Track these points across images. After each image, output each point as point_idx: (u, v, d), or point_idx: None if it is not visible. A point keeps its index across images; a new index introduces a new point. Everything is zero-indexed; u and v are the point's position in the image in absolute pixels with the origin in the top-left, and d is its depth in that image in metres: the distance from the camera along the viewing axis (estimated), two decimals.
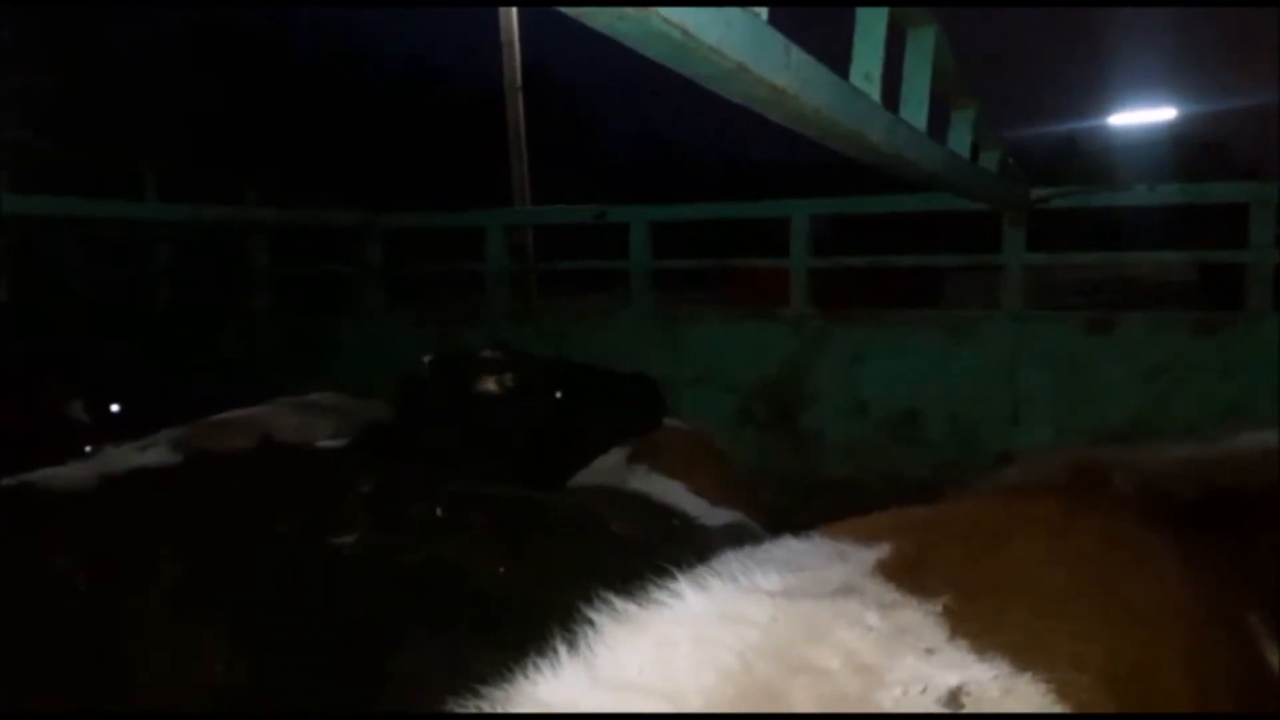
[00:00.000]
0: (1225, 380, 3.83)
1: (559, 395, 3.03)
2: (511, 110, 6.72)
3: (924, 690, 1.08)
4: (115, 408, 3.37)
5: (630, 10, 1.14)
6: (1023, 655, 1.14)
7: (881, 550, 1.36)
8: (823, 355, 4.59)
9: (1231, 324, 3.91)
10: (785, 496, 4.36)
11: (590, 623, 1.12)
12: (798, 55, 1.52)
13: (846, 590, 1.23)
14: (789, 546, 1.43)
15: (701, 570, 1.29)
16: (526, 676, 1.07)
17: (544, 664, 1.07)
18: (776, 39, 1.45)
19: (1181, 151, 19.13)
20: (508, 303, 5.39)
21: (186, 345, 5.54)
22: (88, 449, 2.84)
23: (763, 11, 1.40)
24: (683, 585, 1.20)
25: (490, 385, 2.98)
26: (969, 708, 1.07)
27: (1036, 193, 4.18)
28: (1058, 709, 1.09)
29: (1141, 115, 21.85)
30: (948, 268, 7.64)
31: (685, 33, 1.19)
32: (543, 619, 1.10)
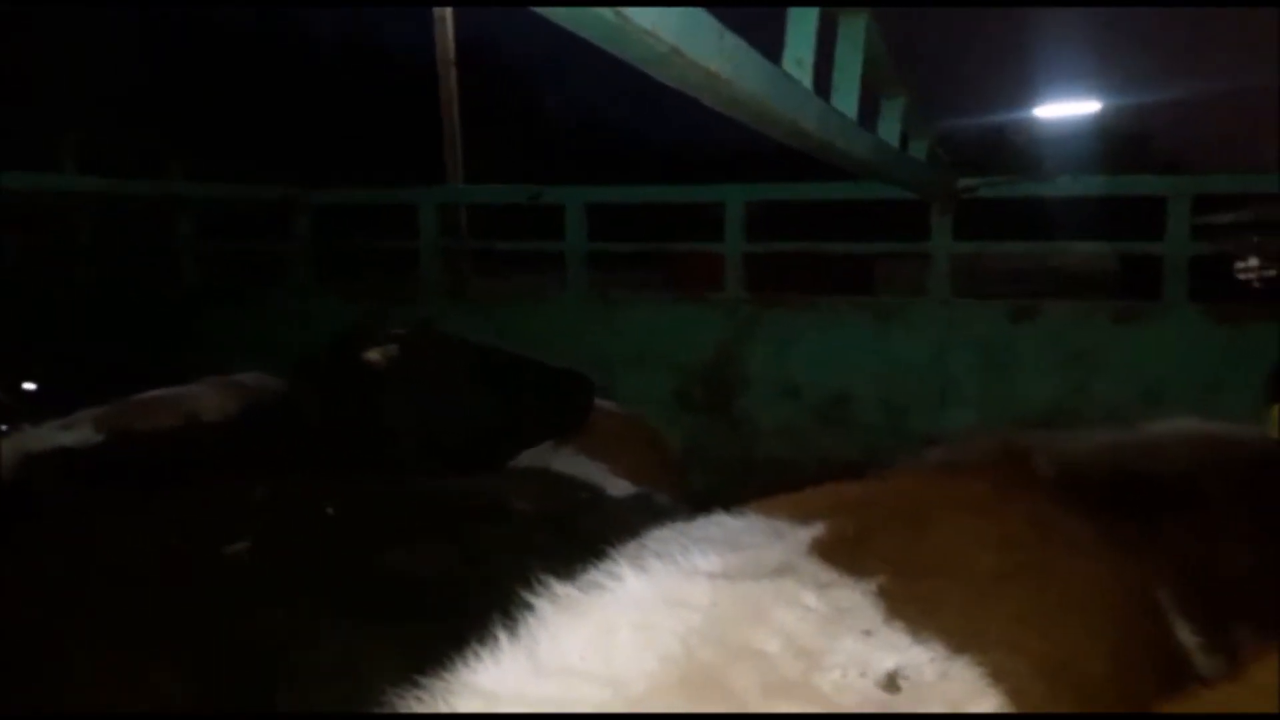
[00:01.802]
0: (1142, 368, 3.95)
1: (467, 381, 2.92)
2: (445, 86, 6.61)
3: (862, 673, 1.09)
4: (30, 386, 3.25)
5: None
6: (958, 637, 1.16)
7: (817, 529, 1.37)
8: (756, 339, 4.62)
9: (1148, 314, 4.04)
10: (721, 478, 4.40)
11: (528, 608, 1.11)
12: (731, 40, 1.52)
13: (784, 570, 1.24)
14: (725, 524, 1.44)
15: (640, 551, 1.29)
16: (466, 665, 1.06)
17: (484, 652, 1.06)
18: (711, 23, 1.45)
19: (1105, 143, 19.73)
20: (441, 282, 5.31)
21: (110, 322, 5.36)
22: (3, 428, 2.75)
23: None
24: (623, 568, 1.19)
25: (386, 365, 2.88)
26: (906, 691, 1.09)
27: (964, 182, 4.25)
28: (993, 693, 1.12)
29: (1067, 108, 22.41)
30: (876, 255, 7.75)
31: (619, 14, 1.18)
32: (451, 606, 1.08)
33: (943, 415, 4.19)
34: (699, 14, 1.38)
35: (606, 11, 1.15)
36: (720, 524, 1.45)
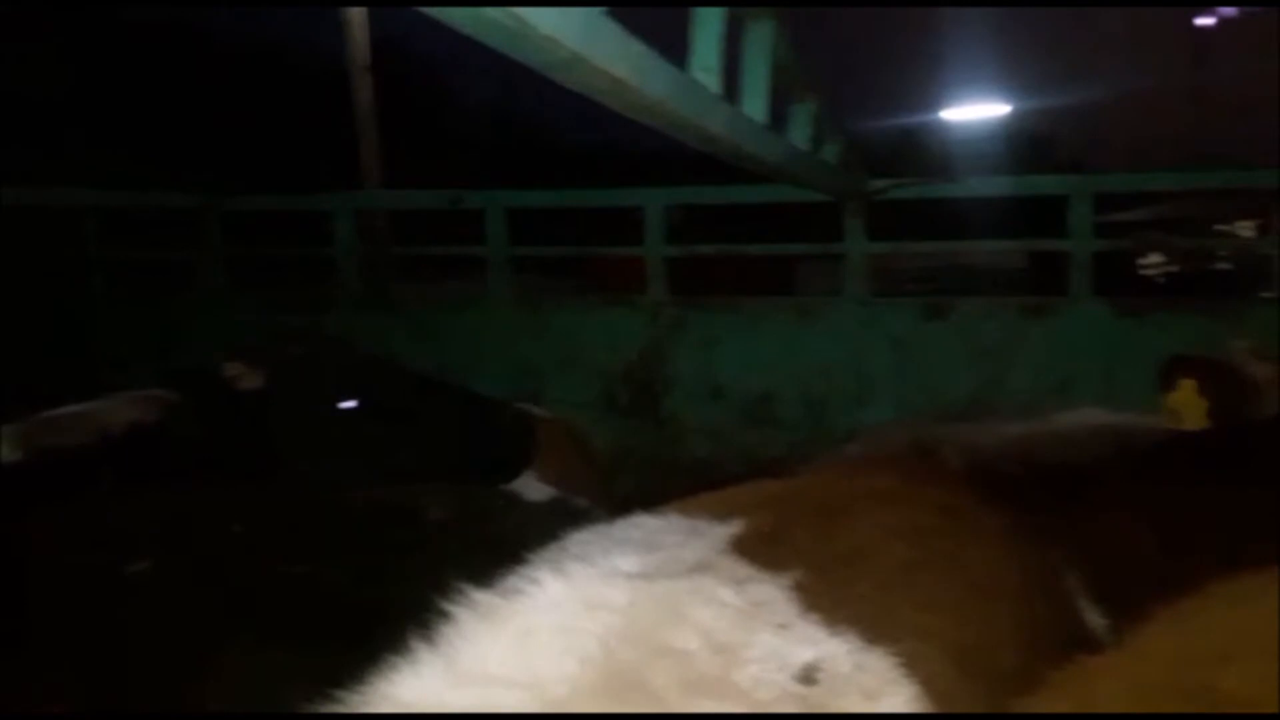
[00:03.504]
0: (1050, 361, 4.10)
1: (352, 404, 2.61)
2: (358, 91, 6.51)
3: (780, 667, 1.11)
4: None
5: None
6: (872, 628, 1.19)
7: (735, 526, 1.39)
8: (680, 341, 4.66)
9: (1055, 308, 4.19)
10: (648, 479, 4.41)
11: (449, 618, 1.10)
12: (636, 46, 1.53)
13: (702, 568, 1.26)
14: (645, 525, 1.45)
15: (560, 555, 1.30)
16: (384, 677, 1.04)
17: (402, 663, 1.05)
18: (614, 30, 1.46)
19: (1013, 145, 20.38)
20: (361, 289, 5.23)
21: (11, 334, 5.14)
22: None
23: None
24: (543, 573, 1.19)
25: (252, 384, 2.65)
26: (822, 683, 1.11)
27: (874, 184, 4.35)
28: (907, 681, 1.15)
29: (977, 111, 23.10)
30: (799, 256, 7.86)
31: (518, 20, 1.18)
32: (378, 617, 1.07)
33: (862, 411, 4.27)
34: (602, 20, 1.39)
35: (504, 16, 1.15)
36: (640, 525, 1.46)
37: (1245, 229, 15.00)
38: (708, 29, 1.93)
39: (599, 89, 1.56)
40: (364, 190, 6.45)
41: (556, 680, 1.02)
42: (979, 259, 11.97)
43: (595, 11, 1.36)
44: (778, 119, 2.62)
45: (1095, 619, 1.57)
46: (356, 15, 6.43)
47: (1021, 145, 20.23)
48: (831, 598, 1.22)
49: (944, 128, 22.92)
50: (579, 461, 3.29)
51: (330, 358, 2.88)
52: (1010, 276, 11.15)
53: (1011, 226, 5.11)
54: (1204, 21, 20.82)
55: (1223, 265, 15.24)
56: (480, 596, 1.14)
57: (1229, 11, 20.27)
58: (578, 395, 4.64)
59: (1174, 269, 15.63)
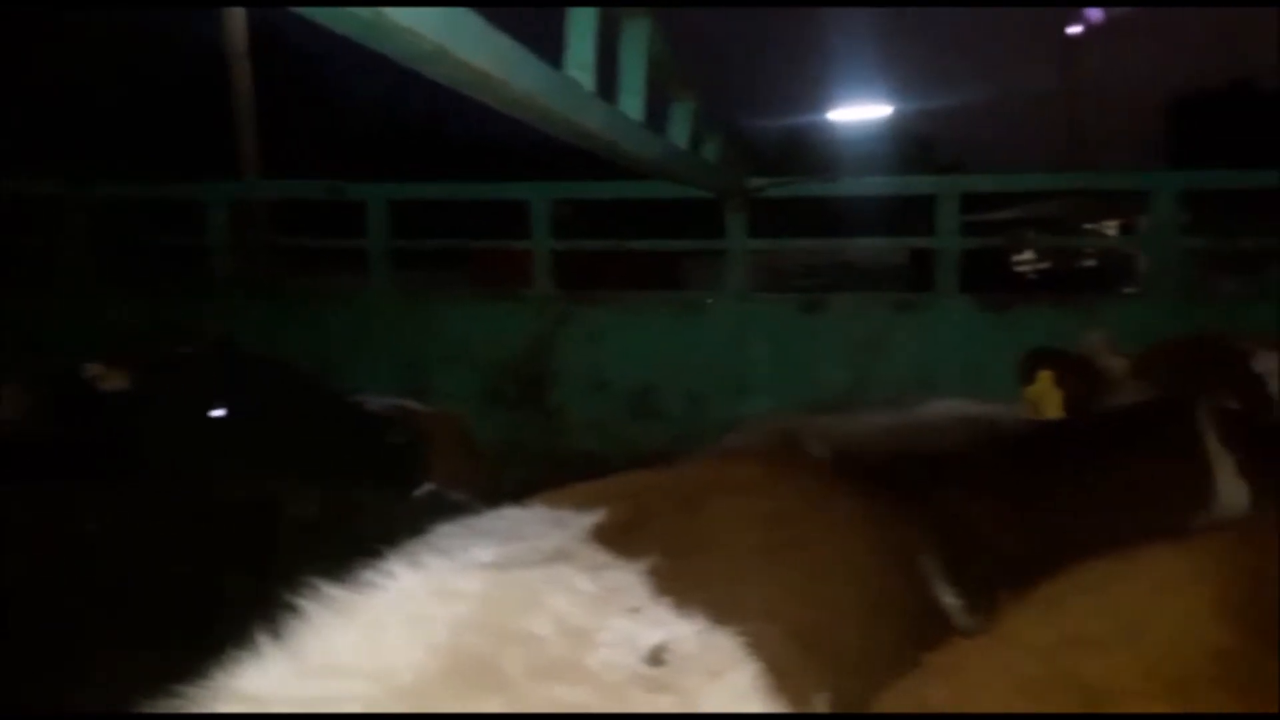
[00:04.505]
0: (919, 354, 4.28)
1: (222, 412, 2.48)
2: (237, 79, 6.30)
3: (629, 650, 1.14)
4: None
5: None
6: (720, 610, 1.23)
7: (597, 515, 1.41)
8: (565, 335, 4.68)
9: (923, 303, 4.37)
10: (535, 472, 4.41)
11: (296, 611, 1.10)
12: (502, 40, 1.54)
13: (560, 556, 1.28)
14: (509, 516, 1.47)
15: (420, 547, 1.30)
16: (229, 672, 1.04)
17: (246, 657, 1.04)
18: (476, 22, 1.45)
19: (897, 146, 21.06)
20: (238, 282, 5.06)
21: None
22: None
23: None
24: (397, 565, 1.20)
25: (115, 385, 2.51)
26: (670, 663, 1.15)
27: (753, 182, 4.44)
28: (750, 659, 1.19)
29: (862, 111, 23.76)
30: (687, 253, 7.96)
31: (377, 14, 1.18)
32: (231, 613, 1.06)
33: (741, 403, 4.36)
34: (464, 13, 1.39)
35: (363, 10, 1.15)
36: (505, 516, 1.48)
37: (1110, 228, 15.85)
38: (582, 26, 1.95)
39: (465, 82, 1.56)
40: (241, 179, 6.24)
41: (403, 668, 1.03)
42: (864, 256, 12.37)
43: (458, 8, 1.37)
44: (657, 117, 2.65)
45: (950, 599, 1.64)
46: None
47: (905, 146, 20.91)
48: (684, 582, 1.26)
49: (830, 128, 23.50)
50: (464, 456, 3.27)
51: (209, 361, 2.75)
52: (894, 273, 11.54)
53: (896, 224, 5.29)
54: (1073, 30, 21.90)
55: (1090, 263, 16.06)
56: (331, 590, 1.14)
57: (1095, 15, 21.34)
58: (464, 389, 4.62)
59: (1045, 266, 16.39)
